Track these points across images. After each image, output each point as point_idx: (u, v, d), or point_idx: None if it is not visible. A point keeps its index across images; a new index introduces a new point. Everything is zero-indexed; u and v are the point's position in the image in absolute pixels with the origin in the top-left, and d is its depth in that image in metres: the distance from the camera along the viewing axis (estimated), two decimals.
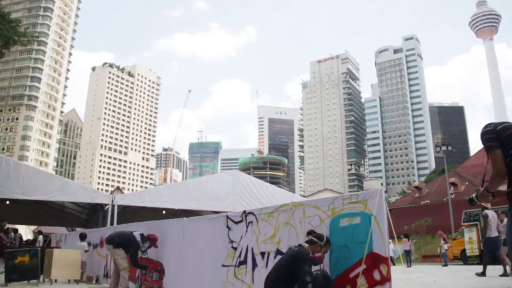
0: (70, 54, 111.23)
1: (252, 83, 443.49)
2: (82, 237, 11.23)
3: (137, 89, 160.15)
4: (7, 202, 14.44)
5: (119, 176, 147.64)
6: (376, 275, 3.99)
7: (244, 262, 5.70)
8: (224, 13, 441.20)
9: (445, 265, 18.61)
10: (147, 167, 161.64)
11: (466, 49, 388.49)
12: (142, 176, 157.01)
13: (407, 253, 18.75)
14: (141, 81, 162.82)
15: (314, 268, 4.32)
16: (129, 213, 15.92)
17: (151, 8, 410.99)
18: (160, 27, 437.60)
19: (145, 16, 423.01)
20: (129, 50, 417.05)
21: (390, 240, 19.56)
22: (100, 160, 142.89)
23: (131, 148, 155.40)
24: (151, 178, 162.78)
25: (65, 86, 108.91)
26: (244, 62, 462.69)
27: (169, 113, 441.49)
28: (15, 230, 16.21)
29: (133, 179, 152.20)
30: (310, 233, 4.52)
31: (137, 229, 8.72)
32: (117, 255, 7.43)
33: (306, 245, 4.31)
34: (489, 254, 10.43)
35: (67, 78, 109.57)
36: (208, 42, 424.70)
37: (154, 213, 15.51)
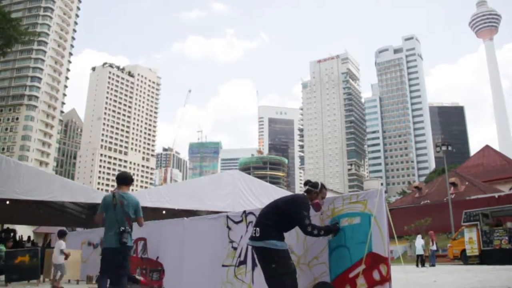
0: (71, 54, 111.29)
1: (259, 85, 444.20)
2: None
3: (137, 89, 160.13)
4: (7, 202, 14.43)
5: None
6: (376, 275, 3.99)
7: (244, 262, 5.70)
8: (236, 14, 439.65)
9: (432, 265, 19.05)
10: (147, 167, 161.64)
11: (472, 50, 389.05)
12: (142, 176, 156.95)
13: None
14: (141, 81, 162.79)
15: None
16: None
17: (169, 10, 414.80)
18: (175, 30, 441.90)
19: (161, 18, 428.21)
20: (143, 52, 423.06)
21: (421, 238, 19.38)
22: (100, 160, 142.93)
23: (131, 148, 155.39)
24: (151, 178, 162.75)
25: (65, 86, 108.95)
26: (253, 64, 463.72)
27: (176, 112, 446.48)
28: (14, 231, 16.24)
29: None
30: (306, 183, 4.59)
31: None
32: None
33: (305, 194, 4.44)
34: None
35: (67, 78, 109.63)
36: (221, 45, 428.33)
37: (154, 213, 15.48)
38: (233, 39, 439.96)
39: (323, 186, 4.51)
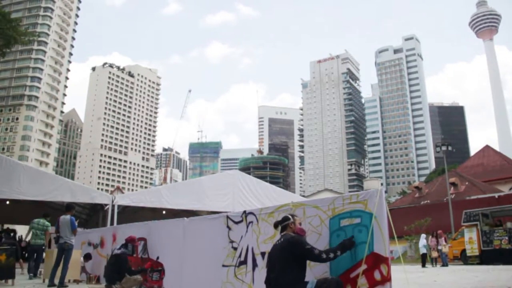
0: (71, 54, 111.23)
1: (270, 86, 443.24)
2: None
3: (137, 89, 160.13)
4: (7, 202, 14.44)
5: (119, 176, 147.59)
6: (377, 275, 3.98)
7: (244, 262, 5.69)
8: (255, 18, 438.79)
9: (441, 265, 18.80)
10: (147, 167, 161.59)
11: (477, 50, 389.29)
12: (142, 176, 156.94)
13: None
14: (141, 81, 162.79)
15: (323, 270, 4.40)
16: (129, 213, 15.94)
17: (191, 15, 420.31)
18: (197, 35, 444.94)
19: (185, 23, 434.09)
20: (165, 56, 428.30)
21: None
22: (100, 160, 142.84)
23: (131, 148, 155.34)
24: (151, 178, 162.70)
25: (65, 86, 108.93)
26: (260, 65, 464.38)
27: (187, 110, 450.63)
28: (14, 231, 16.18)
29: (133, 179, 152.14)
30: (276, 225, 4.62)
31: (137, 229, 8.73)
32: (126, 286, 7.56)
33: (284, 232, 4.43)
34: None
35: (67, 78, 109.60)
36: (238, 53, 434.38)
37: (154, 213, 15.53)
38: (250, 48, 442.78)
39: (290, 215, 4.57)
